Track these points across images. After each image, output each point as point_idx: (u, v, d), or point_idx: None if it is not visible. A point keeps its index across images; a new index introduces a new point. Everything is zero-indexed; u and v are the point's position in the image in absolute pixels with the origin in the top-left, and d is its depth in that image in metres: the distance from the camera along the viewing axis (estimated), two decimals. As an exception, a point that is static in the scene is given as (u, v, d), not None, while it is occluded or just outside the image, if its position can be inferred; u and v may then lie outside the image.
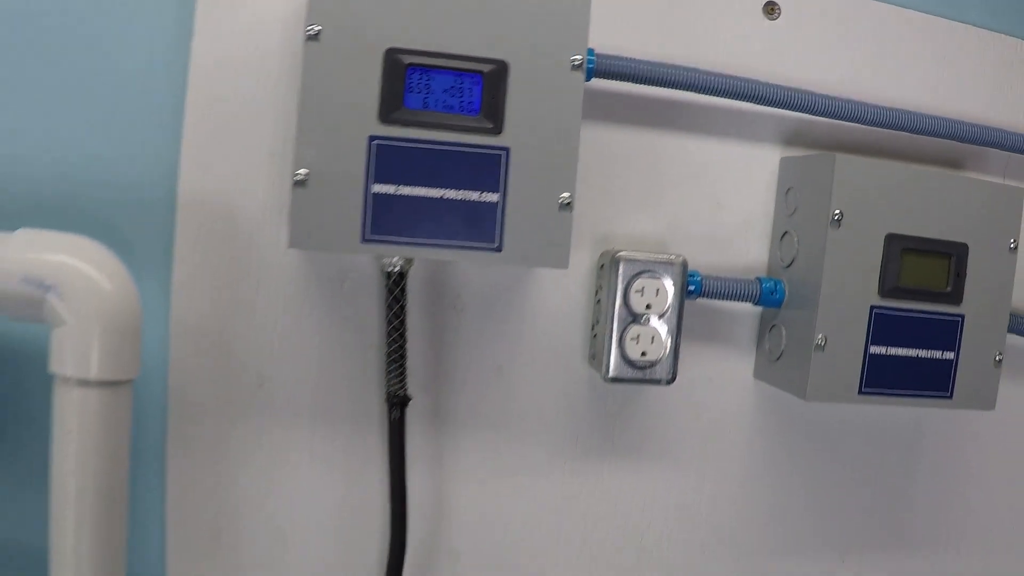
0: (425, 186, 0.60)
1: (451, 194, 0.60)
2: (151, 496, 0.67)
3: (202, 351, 0.65)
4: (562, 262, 0.62)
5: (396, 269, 0.63)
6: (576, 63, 0.62)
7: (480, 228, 0.61)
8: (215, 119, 0.64)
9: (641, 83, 0.66)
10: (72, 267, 0.58)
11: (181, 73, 0.65)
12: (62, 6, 0.64)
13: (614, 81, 0.66)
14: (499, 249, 0.61)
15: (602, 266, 0.68)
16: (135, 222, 0.65)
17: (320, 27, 0.59)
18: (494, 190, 0.61)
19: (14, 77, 0.65)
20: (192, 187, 0.65)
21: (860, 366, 0.68)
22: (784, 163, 0.73)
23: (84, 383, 0.58)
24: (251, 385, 0.66)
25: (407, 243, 0.60)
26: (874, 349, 0.69)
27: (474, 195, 0.61)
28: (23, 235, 0.60)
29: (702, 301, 0.69)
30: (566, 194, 0.62)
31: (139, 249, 0.64)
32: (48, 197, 0.66)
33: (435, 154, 0.60)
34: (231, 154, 0.65)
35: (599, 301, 0.68)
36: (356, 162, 0.59)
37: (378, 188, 0.60)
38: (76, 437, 0.60)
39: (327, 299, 0.66)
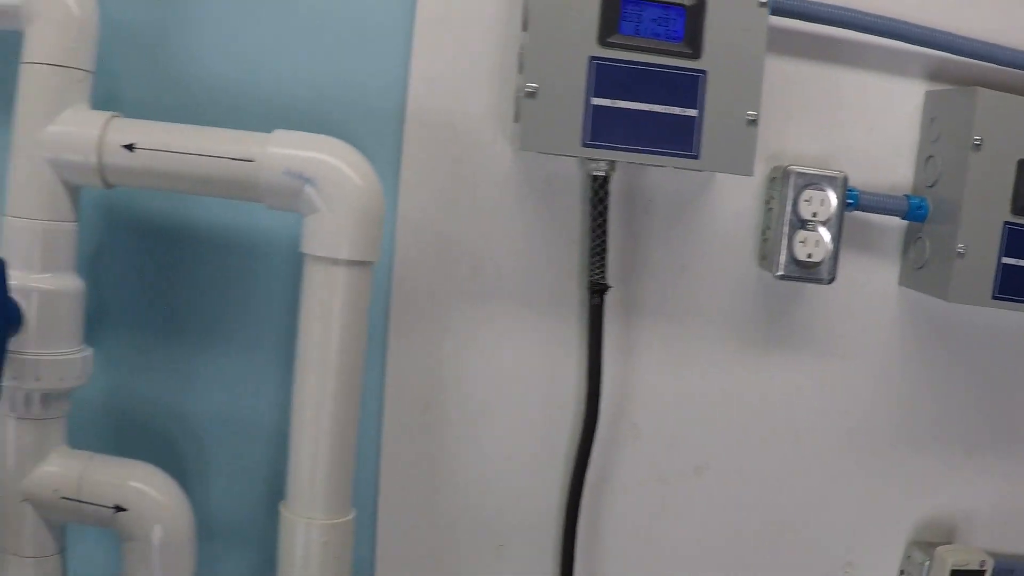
0: (636, 101, 0.71)
1: (657, 108, 0.71)
2: (371, 369, 0.77)
3: (424, 242, 0.76)
4: (748, 169, 0.72)
5: (602, 174, 0.74)
6: (762, 1, 0.72)
7: (681, 138, 0.71)
8: (440, 38, 0.75)
9: (812, 22, 0.76)
10: (328, 163, 0.69)
11: (410, -3, 0.75)
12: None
13: (789, 19, 0.76)
14: (696, 157, 0.71)
15: (773, 179, 0.78)
16: (368, 127, 0.76)
17: (549, -37, 0.69)
18: (693, 106, 0.71)
19: (273, 6, 0.76)
20: (419, 98, 0.75)
21: (994, 274, 0.78)
22: (929, 96, 0.82)
23: (333, 262, 0.69)
24: (466, 273, 0.76)
25: (620, 148, 0.71)
26: (1007, 260, 0.78)
27: (676, 110, 0.71)
28: (280, 135, 0.71)
29: (856, 214, 0.79)
30: (752, 112, 0.72)
31: (370, 151, 0.74)
32: (291, 105, 0.76)
33: (644, 74, 0.71)
34: (454, 69, 0.75)
35: (771, 209, 0.78)
36: (578, 78, 0.70)
37: (596, 101, 0.70)
38: (323, 309, 0.70)
39: (535, 199, 0.76)
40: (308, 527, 0.72)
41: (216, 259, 0.79)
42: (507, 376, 0.77)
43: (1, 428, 0.76)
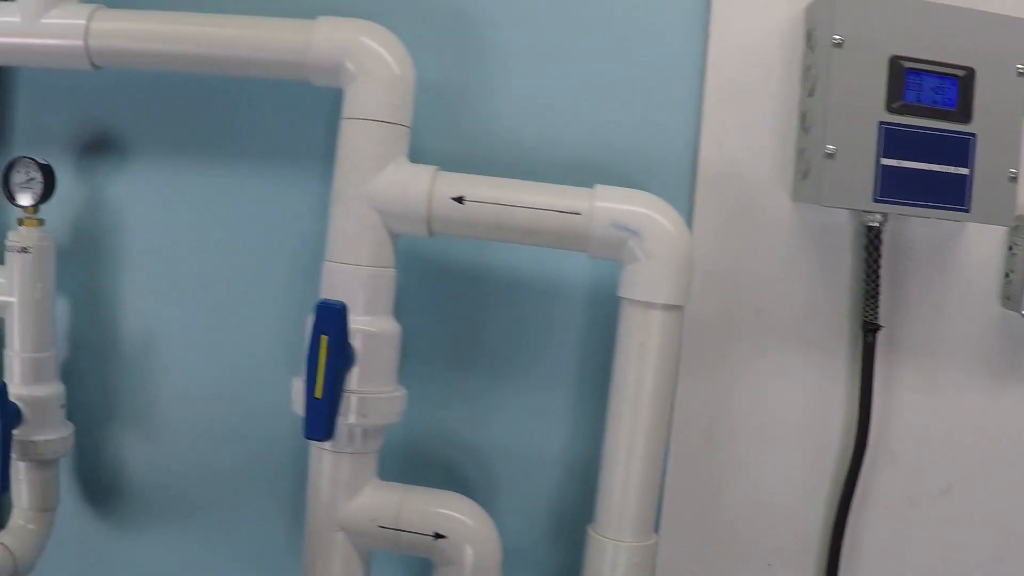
0: (917, 161, 0.79)
1: (935, 167, 0.79)
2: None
3: (712, 284, 0.83)
4: (1009, 220, 0.81)
5: (876, 224, 0.81)
6: (1020, 71, 0.81)
7: (955, 194, 0.80)
8: (727, 104, 0.83)
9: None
10: (651, 216, 0.76)
11: (698, 66, 0.83)
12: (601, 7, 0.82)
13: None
14: (967, 210, 0.80)
15: (1016, 227, 0.87)
16: (658, 181, 0.83)
17: (843, 37, 0.77)
18: (965, 165, 0.80)
19: (561, 64, 0.83)
20: (709, 156, 0.83)
21: None
22: None
23: (650, 306, 0.76)
24: (749, 314, 0.83)
25: (904, 203, 0.78)
26: None
27: (951, 169, 0.79)
28: (602, 190, 0.77)
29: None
30: (1013, 169, 0.80)
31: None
32: (584, 160, 0.83)
33: (924, 137, 0.79)
34: (740, 131, 0.82)
35: (1015, 254, 0.86)
36: (869, 141, 0.78)
37: (885, 161, 0.78)
38: (640, 349, 0.77)
39: (810, 247, 0.84)
40: (617, 548, 0.78)
41: (507, 301, 0.85)
42: (781, 407, 0.85)
43: (317, 461, 0.82)
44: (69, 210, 0.89)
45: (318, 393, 0.75)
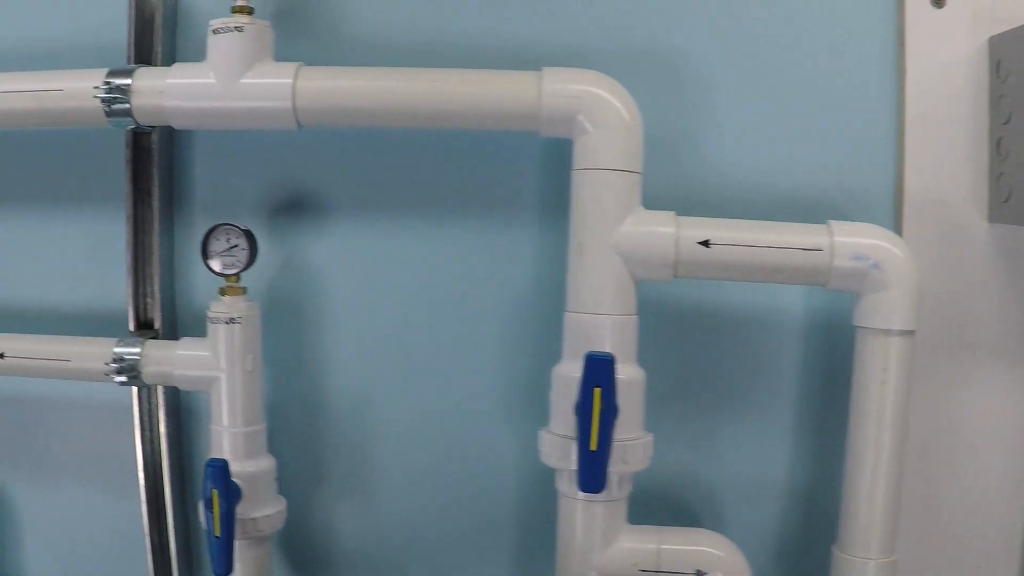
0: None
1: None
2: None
3: (922, 305, 0.86)
4: None
5: (1067, 240, 0.87)
6: None
7: None
8: (925, 134, 0.86)
9: None
10: (887, 248, 0.78)
11: (893, 101, 0.86)
12: (801, 50, 0.85)
13: None
14: None
15: None
16: (867, 213, 0.86)
17: None
18: None
19: (767, 107, 0.86)
20: (913, 185, 0.86)
21: None
22: None
23: (889, 333, 0.79)
24: (954, 332, 0.87)
25: (1101, 220, 0.84)
26: None
27: None
28: (837, 225, 0.79)
29: None
30: None
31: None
32: (799, 197, 0.86)
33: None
34: (938, 159, 0.86)
35: None
36: (1069, 167, 0.83)
37: (1083, 184, 0.84)
38: (881, 375, 0.80)
39: (1007, 264, 0.88)
40: (865, 566, 0.81)
41: (720, 334, 0.87)
42: (984, 418, 0.89)
43: (569, 512, 0.81)
44: (264, 275, 0.85)
45: (593, 445, 0.75)
